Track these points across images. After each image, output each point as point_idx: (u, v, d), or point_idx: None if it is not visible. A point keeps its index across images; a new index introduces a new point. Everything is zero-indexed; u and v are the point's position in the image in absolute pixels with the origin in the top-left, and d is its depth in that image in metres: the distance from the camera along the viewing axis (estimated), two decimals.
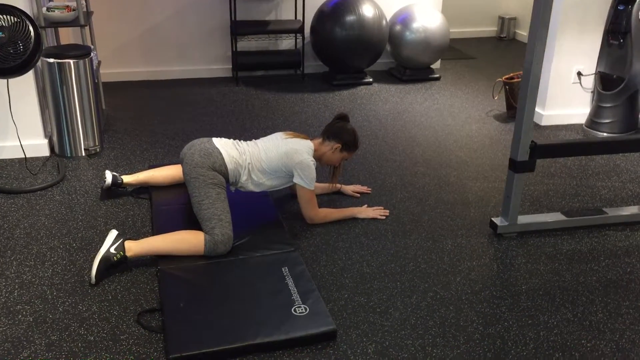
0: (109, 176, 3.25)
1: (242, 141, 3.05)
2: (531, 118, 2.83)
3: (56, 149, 3.86)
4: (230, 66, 5.66)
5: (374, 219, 3.17)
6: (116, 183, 3.27)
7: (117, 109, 4.73)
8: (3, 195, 3.32)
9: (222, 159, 2.87)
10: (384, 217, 3.19)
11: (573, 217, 3.12)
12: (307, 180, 2.95)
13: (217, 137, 3.01)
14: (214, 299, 2.42)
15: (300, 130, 4.31)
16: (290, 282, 2.52)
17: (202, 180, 2.80)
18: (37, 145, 3.81)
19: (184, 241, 2.71)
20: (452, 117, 4.74)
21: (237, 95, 5.16)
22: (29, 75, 3.64)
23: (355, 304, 2.49)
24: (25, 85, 3.66)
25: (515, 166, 2.91)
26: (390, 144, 4.17)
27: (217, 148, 2.89)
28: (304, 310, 2.35)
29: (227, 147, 2.93)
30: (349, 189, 3.46)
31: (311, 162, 2.96)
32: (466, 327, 2.37)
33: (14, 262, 2.71)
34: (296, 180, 2.96)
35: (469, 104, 5.07)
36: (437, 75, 5.78)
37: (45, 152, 3.85)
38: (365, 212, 3.21)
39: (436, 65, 6.06)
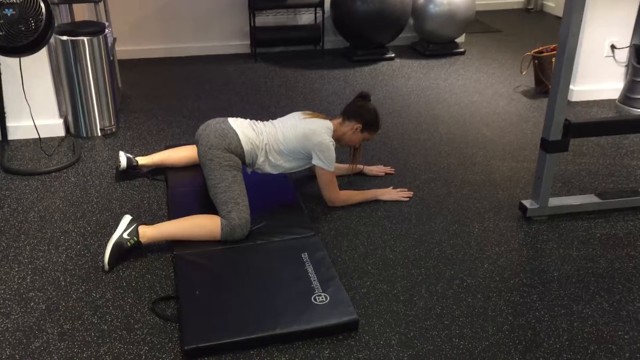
0: (123, 159, 3.17)
1: (258, 121, 2.93)
2: (565, 95, 2.66)
3: (71, 129, 3.79)
4: (249, 42, 5.52)
5: (398, 201, 3.05)
6: (131, 165, 3.18)
7: (133, 87, 4.63)
8: (18, 177, 3.25)
9: (238, 139, 2.76)
10: (408, 199, 3.06)
11: (607, 199, 2.96)
12: (326, 162, 2.83)
13: (234, 116, 2.90)
14: (231, 287, 2.33)
15: (320, 108, 4.17)
16: (310, 269, 2.42)
17: (218, 162, 2.70)
18: (52, 125, 3.74)
19: (200, 226, 2.61)
20: (477, 93, 4.56)
21: (256, 72, 5.03)
22: (43, 54, 3.55)
23: (378, 292, 2.38)
24: (39, 64, 3.57)
25: (547, 146, 2.76)
26: (413, 122, 4.02)
27: (232, 129, 2.78)
28: (324, 299, 2.25)
29: (243, 128, 2.81)
30: (372, 169, 3.33)
31: (330, 142, 2.83)
32: (495, 317, 2.25)
33: (27, 247, 2.65)
34: (315, 161, 2.84)
35: (496, 79, 4.88)
36: (462, 50, 5.58)
37: (61, 133, 3.77)
38: (389, 193, 3.09)
39: (461, 39, 5.85)
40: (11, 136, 3.70)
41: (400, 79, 4.87)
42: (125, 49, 5.22)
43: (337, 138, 2.97)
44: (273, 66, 5.17)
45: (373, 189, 3.13)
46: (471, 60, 5.39)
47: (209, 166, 2.72)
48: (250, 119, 2.94)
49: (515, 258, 2.60)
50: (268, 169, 2.89)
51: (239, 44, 5.53)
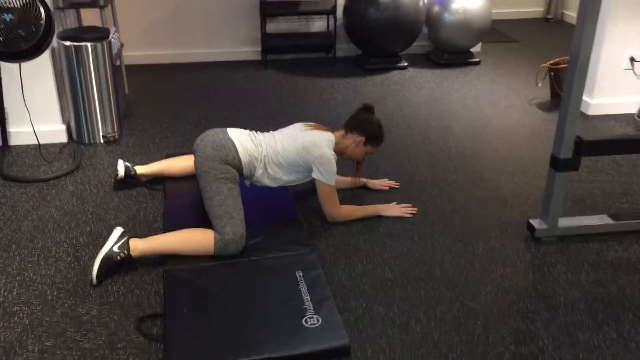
0: (121, 168, 3.10)
1: (258, 132, 2.85)
2: (577, 109, 2.54)
3: (74, 136, 3.74)
4: (259, 49, 5.45)
5: (400, 218, 2.94)
6: (129, 175, 3.12)
7: (140, 93, 4.58)
8: (15, 184, 3.21)
9: (236, 151, 2.68)
10: (411, 216, 2.96)
11: (621, 220, 2.83)
12: (327, 176, 2.74)
13: (239, 124, 2.82)
14: (220, 305, 2.25)
15: (329, 118, 4.08)
16: (303, 288, 2.33)
17: (214, 174, 2.62)
18: (54, 131, 3.69)
19: (193, 240, 2.53)
20: (491, 105, 4.44)
21: (265, 79, 4.96)
22: (46, 59, 3.51)
23: (374, 314, 2.28)
24: (42, 69, 3.53)
25: (558, 164, 2.63)
26: (422, 134, 3.91)
27: (230, 140, 2.70)
28: (315, 322, 2.15)
29: (241, 139, 2.73)
30: (376, 183, 3.23)
31: (331, 155, 2.74)
32: (496, 346, 2.14)
33: (17, 258, 2.59)
34: (315, 175, 2.75)
35: (510, 91, 4.75)
36: (477, 60, 5.46)
37: (63, 139, 3.73)
38: (391, 209, 2.98)
39: (476, 48, 5.73)
40: (13, 142, 3.66)
41: (412, 89, 4.76)
42: (133, 54, 5.18)
43: (340, 151, 2.88)
44: (283, 74, 5.10)
45: (376, 203, 3.03)
46: (486, 70, 5.26)
47: (204, 178, 2.64)
48: (252, 129, 2.86)
49: (521, 281, 2.48)
50: (267, 182, 2.80)
51: (249, 51, 5.47)
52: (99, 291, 2.37)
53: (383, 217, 2.93)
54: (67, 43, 3.49)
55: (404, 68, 5.28)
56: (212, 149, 2.67)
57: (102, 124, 3.70)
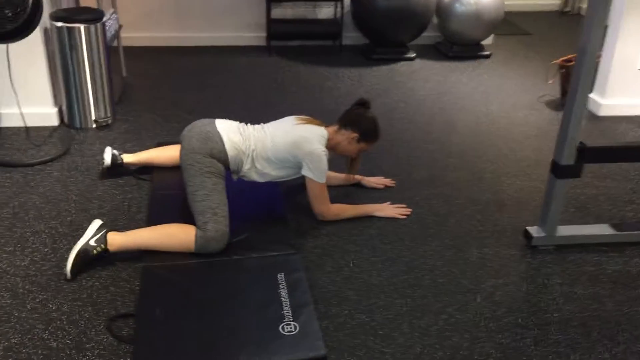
0: (107, 156, 3.01)
1: (248, 125, 2.74)
2: (581, 113, 2.40)
3: (65, 119, 3.65)
4: (264, 34, 5.31)
5: (393, 219, 2.83)
6: (116, 163, 3.02)
7: (139, 76, 4.48)
8: (1, 168, 3.13)
9: (222, 144, 2.57)
10: (405, 217, 2.84)
11: (623, 230, 2.70)
12: (316, 173, 2.63)
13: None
14: (196, 307, 2.16)
15: (329, 109, 3.96)
16: (284, 292, 2.23)
17: (198, 167, 2.52)
18: (46, 114, 3.60)
19: (173, 236, 2.44)
20: (498, 101, 4.29)
21: (268, 66, 4.83)
22: (38, 40, 3.41)
23: (356, 322, 2.18)
24: (33, 51, 3.44)
25: (558, 171, 2.50)
26: (424, 130, 3.78)
27: (218, 132, 2.59)
28: (293, 329, 2.05)
29: (229, 132, 2.62)
30: (371, 181, 3.11)
31: (322, 152, 2.63)
32: None
33: None
34: (305, 172, 2.64)
35: (520, 87, 4.60)
36: (488, 53, 5.29)
37: (55, 122, 3.64)
38: (384, 209, 2.87)
39: (487, 41, 5.55)
40: (3, 123, 3.58)
41: (418, 82, 4.62)
42: (133, 36, 5.05)
43: (332, 147, 2.77)
44: (287, 61, 4.97)
45: (370, 202, 2.92)
46: (496, 64, 5.10)
47: (188, 171, 2.54)
48: (248, 120, 2.78)
49: (513, 293, 2.37)
50: (254, 177, 2.70)
51: (254, 36, 5.33)
52: (73, 286, 2.29)
53: (375, 218, 2.82)
54: (59, 24, 3.39)
55: (411, 59, 5.13)
56: (197, 141, 2.56)
57: (94, 108, 3.61)
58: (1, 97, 3.50)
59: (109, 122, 3.68)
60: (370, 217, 2.82)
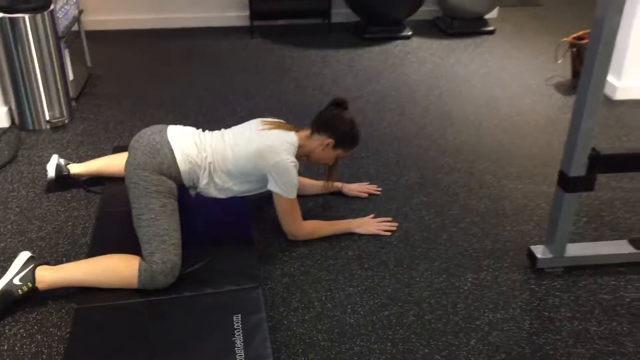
0: (51, 169, 2.64)
1: (206, 132, 2.36)
2: (594, 110, 1.99)
3: (16, 121, 3.28)
4: (247, 14, 4.88)
5: (377, 236, 2.46)
6: (61, 175, 2.66)
7: (106, 65, 4.08)
8: None
9: (173, 158, 2.20)
10: (390, 234, 2.47)
11: None
12: (284, 188, 2.25)
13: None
14: None
15: (314, 100, 3.56)
16: (239, 341, 1.87)
17: (143, 186, 2.15)
18: None
19: (113, 271, 2.08)
20: (501, 85, 3.87)
21: (250, 50, 4.42)
22: None
23: None
24: None
25: (566, 183, 2.11)
26: (417, 122, 3.38)
27: (168, 143, 2.22)
28: None
29: (182, 142, 2.24)
30: (353, 188, 2.73)
31: (291, 163, 2.24)
32: None
33: None
34: (271, 187, 2.26)
35: (526, 67, 4.16)
36: (492, 28, 4.84)
37: (5, 123, 3.27)
38: (367, 225, 2.50)
39: (492, 14, 5.09)
40: None
41: (413, 64, 4.19)
42: (102, 19, 4.63)
43: (304, 155, 2.39)
44: (270, 43, 4.55)
45: (351, 214, 2.55)
46: (501, 41, 4.66)
47: (133, 191, 2.17)
48: (198, 129, 2.38)
49: (514, 332, 2.00)
50: (214, 193, 2.33)
51: (236, 16, 4.90)
52: None
53: (355, 235, 2.45)
54: (0, 15, 3.00)
55: (407, 37, 4.69)
56: (143, 155, 2.19)
57: (47, 106, 3.23)
58: None
59: (65, 122, 3.30)
60: (350, 234, 2.45)
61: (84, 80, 3.79)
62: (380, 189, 2.75)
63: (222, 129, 2.40)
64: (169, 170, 2.19)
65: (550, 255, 2.25)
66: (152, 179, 2.16)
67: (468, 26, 4.82)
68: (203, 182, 2.28)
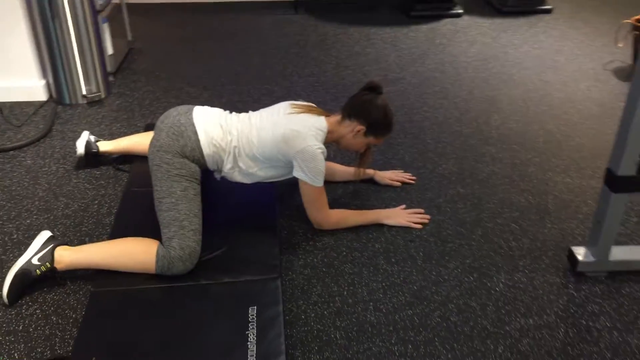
0: (80, 146, 2.62)
1: (233, 114, 2.28)
2: None
3: (54, 94, 3.28)
4: None
5: (406, 228, 2.34)
6: (91, 152, 2.64)
7: (147, 39, 4.05)
8: None
9: (197, 140, 2.13)
10: (421, 227, 2.35)
11: None
12: (311, 175, 2.15)
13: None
14: (141, 351, 1.77)
15: (353, 81, 3.43)
16: (252, 334, 1.80)
17: (166, 169, 2.09)
18: (32, 88, 3.24)
19: (131, 254, 2.04)
20: (554, 69, 3.64)
21: (292, 26, 4.31)
22: (16, 6, 3.03)
23: None
24: (13, 17, 3.05)
25: (614, 183, 1.94)
26: (460, 107, 3.21)
27: (192, 125, 2.15)
28: None
29: (207, 124, 2.17)
30: (385, 176, 2.62)
31: (318, 150, 2.14)
32: None
33: None
34: (297, 173, 2.17)
35: (583, 50, 3.91)
36: (549, 7, 4.58)
37: (42, 97, 3.28)
38: (396, 216, 2.38)
39: None
40: None
41: (461, 44, 4.00)
42: None
43: (334, 140, 2.28)
44: (314, 20, 4.42)
45: (381, 204, 2.44)
46: (558, 21, 4.40)
47: (155, 174, 2.12)
48: (225, 111, 2.30)
49: (546, 341, 1.86)
50: (238, 178, 2.25)
51: None
52: (10, 314, 1.94)
53: (384, 227, 2.34)
54: None
55: (457, 16, 4.48)
56: (167, 137, 2.13)
57: (84, 81, 3.22)
58: None
59: (101, 97, 3.29)
60: (379, 225, 2.34)
61: (124, 54, 3.76)
62: (414, 177, 2.62)
63: (250, 112, 2.32)
64: (192, 153, 2.12)
65: (592, 259, 2.09)
66: (175, 162, 2.10)
67: (524, 4, 4.58)
68: (227, 166, 2.21)
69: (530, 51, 3.89)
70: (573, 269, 2.12)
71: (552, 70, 3.63)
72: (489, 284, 2.07)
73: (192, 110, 2.22)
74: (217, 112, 2.27)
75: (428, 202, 2.48)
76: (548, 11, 4.56)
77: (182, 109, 2.25)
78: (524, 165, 2.72)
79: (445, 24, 4.33)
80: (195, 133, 2.14)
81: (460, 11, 4.49)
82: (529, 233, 2.31)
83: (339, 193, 2.52)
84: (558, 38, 4.10)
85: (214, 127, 2.18)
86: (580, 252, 2.11)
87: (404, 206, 2.43)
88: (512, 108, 3.20)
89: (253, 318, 1.86)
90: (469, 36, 4.12)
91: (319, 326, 1.91)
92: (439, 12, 4.47)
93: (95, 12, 3.17)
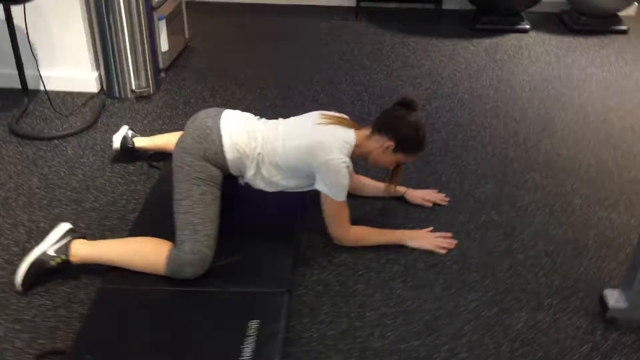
0: (116, 140, 2.67)
1: (262, 120, 2.25)
2: None
3: (104, 87, 3.36)
4: None
5: (430, 252, 2.24)
6: (126, 147, 2.68)
7: (205, 38, 4.09)
8: (17, 140, 2.89)
9: (221, 144, 2.10)
10: (446, 252, 2.24)
11: None
12: (332, 189, 2.09)
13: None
14: (134, 353, 1.76)
15: (401, 91, 3.33)
16: (248, 350, 1.76)
17: (187, 171, 2.08)
18: (84, 79, 3.33)
19: (143, 254, 2.04)
20: (620, 94, 3.42)
21: (350, 33, 4.25)
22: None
23: None
24: (71, 10, 3.15)
25: None
26: (510, 129, 3.06)
27: (218, 128, 2.12)
28: None
29: (234, 129, 2.14)
30: (417, 195, 2.51)
31: (342, 163, 2.07)
32: None
33: None
34: (319, 186, 2.11)
35: None
36: (625, 27, 4.32)
37: (94, 89, 3.36)
38: (422, 239, 2.28)
39: (628, 11, 4.54)
40: (40, 87, 3.35)
41: (523, 61, 3.82)
42: None
43: (362, 155, 2.21)
44: (374, 27, 4.34)
45: (407, 225, 2.34)
46: (632, 43, 4.14)
47: (176, 175, 2.12)
48: (256, 116, 2.27)
49: None
50: (261, 185, 2.22)
51: None
52: (21, 303, 1.98)
53: (407, 249, 2.24)
54: None
55: (524, 31, 4.29)
56: (191, 138, 2.12)
57: (134, 76, 3.28)
58: (42, 59, 3.26)
59: (150, 92, 3.34)
60: (401, 247, 2.25)
61: (179, 51, 3.81)
62: (447, 199, 2.51)
63: (280, 119, 2.27)
64: (215, 157, 2.10)
65: (625, 304, 1.92)
66: (196, 165, 2.08)
67: (598, 23, 4.33)
68: (250, 172, 2.17)
69: (596, 74, 3.67)
70: (603, 313, 1.96)
71: (618, 95, 3.41)
72: (508, 321, 1.94)
73: (220, 113, 2.20)
74: (246, 117, 2.25)
75: (458, 226, 2.36)
76: (624, 32, 4.30)
77: (212, 111, 2.23)
78: (569, 195, 2.55)
79: (510, 39, 4.15)
80: (220, 137, 2.12)
81: (527, 27, 4.30)
82: (561, 270, 2.16)
83: (366, 209, 2.44)
84: (630, 61, 3.85)
85: (240, 132, 2.15)
86: (612, 296, 1.95)
87: (431, 229, 2.32)
88: (566, 133, 3.02)
89: (253, 332, 1.82)
90: (532, 54, 3.94)
91: (319, 347, 1.84)
92: (505, 26, 4.29)
93: (150, 9, 3.22)
